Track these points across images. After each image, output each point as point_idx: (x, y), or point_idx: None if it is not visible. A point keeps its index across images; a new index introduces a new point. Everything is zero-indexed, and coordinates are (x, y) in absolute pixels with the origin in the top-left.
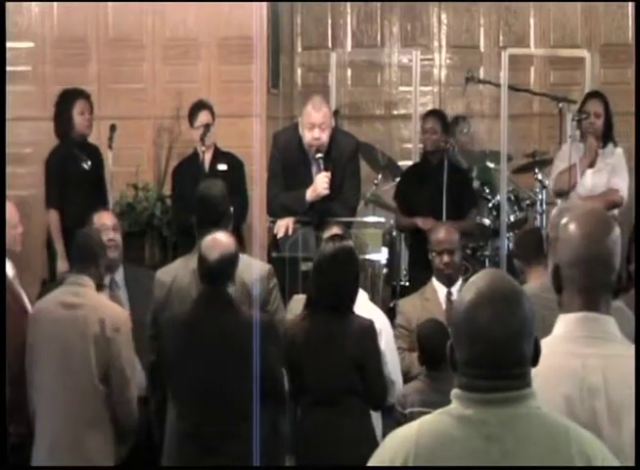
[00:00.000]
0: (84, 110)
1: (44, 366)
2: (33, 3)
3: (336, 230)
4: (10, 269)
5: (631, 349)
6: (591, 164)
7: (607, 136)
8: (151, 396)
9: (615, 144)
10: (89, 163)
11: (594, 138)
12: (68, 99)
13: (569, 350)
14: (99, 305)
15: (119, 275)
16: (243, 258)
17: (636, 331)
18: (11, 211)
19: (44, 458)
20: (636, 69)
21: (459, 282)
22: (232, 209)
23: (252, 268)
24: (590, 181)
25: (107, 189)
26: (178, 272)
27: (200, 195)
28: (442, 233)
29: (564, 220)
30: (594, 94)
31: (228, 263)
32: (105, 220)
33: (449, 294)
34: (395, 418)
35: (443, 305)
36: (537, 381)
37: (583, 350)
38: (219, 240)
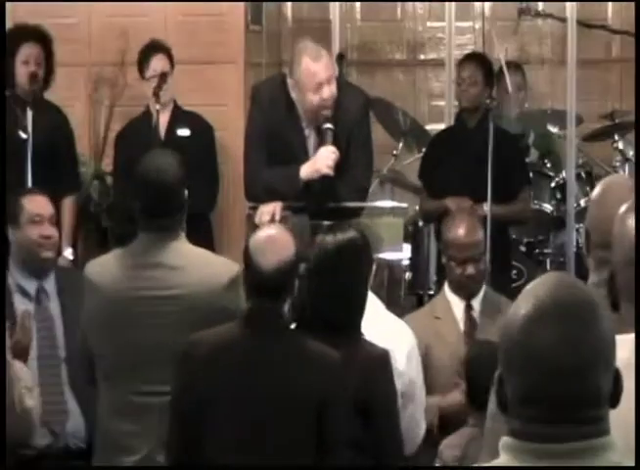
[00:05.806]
0: (30, 58)
1: None
2: None
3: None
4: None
5: None
6: None
7: None
8: None
9: None
10: (29, 130)
11: None
12: (11, 42)
13: None
14: None
15: (50, 282)
16: (201, 255)
17: (636, 329)
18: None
19: None
20: (636, 68)
21: (482, 291)
22: (187, 192)
23: (213, 272)
24: None
25: (73, 168)
26: (113, 270)
27: (141, 172)
28: (463, 233)
29: None
30: None
31: (285, 273)
32: (39, 210)
33: (469, 308)
34: None
35: (461, 325)
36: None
37: None
38: (275, 238)
